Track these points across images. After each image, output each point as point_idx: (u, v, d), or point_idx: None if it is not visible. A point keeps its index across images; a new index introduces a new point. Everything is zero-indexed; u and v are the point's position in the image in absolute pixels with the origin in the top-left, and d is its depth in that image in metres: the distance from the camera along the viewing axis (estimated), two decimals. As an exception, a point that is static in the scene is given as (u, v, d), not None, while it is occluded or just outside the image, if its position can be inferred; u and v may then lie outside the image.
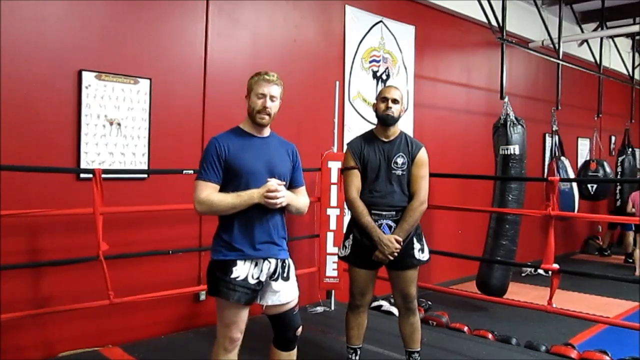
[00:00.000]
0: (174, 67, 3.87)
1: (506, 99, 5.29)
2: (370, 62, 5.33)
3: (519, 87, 7.04)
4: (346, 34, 5.06)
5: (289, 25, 4.61)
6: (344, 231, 3.14)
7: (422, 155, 2.95)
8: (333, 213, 4.35)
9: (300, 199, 2.41)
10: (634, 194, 7.23)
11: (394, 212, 2.88)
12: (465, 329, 4.17)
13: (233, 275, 2.21)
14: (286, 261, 2.38)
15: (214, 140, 2.29)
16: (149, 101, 3.72)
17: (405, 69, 5.68)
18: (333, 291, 4.54)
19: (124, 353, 3.39)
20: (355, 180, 2.93)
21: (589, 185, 7.14)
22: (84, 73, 3.41)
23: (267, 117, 2.29)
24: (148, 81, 3.71)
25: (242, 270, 2.23)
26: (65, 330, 3.39)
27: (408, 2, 5.65)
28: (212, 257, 2.29)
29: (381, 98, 2.93)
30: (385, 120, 2.91)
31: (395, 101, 2.90)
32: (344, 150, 3.10)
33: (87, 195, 3.14)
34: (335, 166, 4.31)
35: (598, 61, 7.70)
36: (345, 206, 3.66)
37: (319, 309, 4.48)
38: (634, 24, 7.57)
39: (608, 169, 7.40)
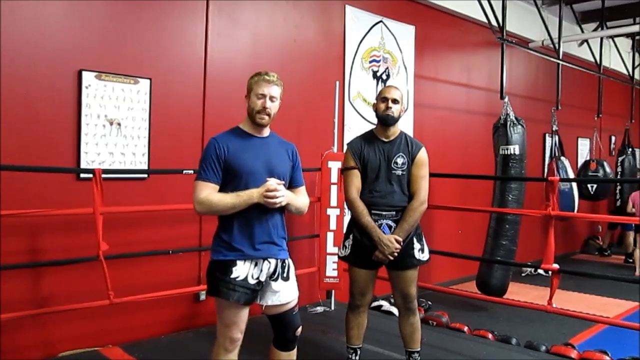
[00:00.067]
0: (174, 67, 3.87)
1: (506, 99, 5.29)
2: (370, 62, 5.33)
3: (519, 87, 7.04)
4: (346, 34, 5.06)
5: (289, 25, 4.61)
6: (344, 231, 3.14)
7: (422, 155, 2.95)
8: (333, 213, 4.35)
9: (300, 199, 2.41)
10: (634, 194, 7.23)
11: (394, 212, 2.88)
12: (465, 329, 4.17)
13: (233, 276, 2.21)
14: (286, 261, 2.38)
15: (214, 141, 2.29)
16: (149, 101, 3.73)
17: (405, 69, 5.68)
18: (333, 291, 4.54)
19: (124, 353, 3.40)
20: (356, 180, 2.93)
21: (589, 185, 7.14)
22: (84, 73, 3.41)
23: (266, 117, 2.29)
24: (148, 81, 3.71)
25: (242, 270, 2.23)
26: (65, 330, 3.39)
27: (408, 2, 5.65)
28: (211, 257, 2.29)
29: (381, 98, 2.93)
30: (385, 120, 2.91)
31: (395, 101, 2.90)
32: (344, 150, 3.10)
33: (87, 195, 3.14)
34: (335, 166, 4.31)
35: (598, 61, 7.69)
36: (345, 206, 3.66)
37: (319, 309, 4.48)
38: (634, 24, 7.57)
39: (608, 169, 7.40)
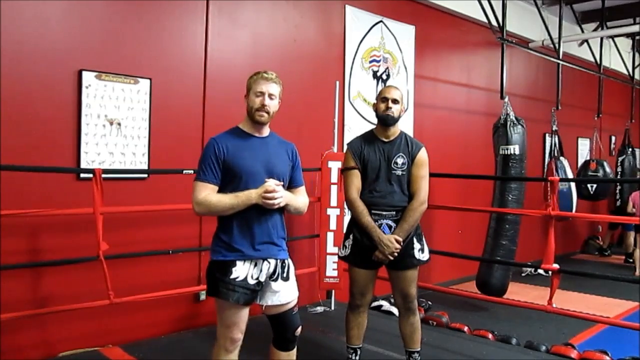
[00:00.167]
0: (174, 67, 3.87)
1: (506, 99, 5.29)
2: (371, 62, 5.33)
3: (519, 87, 7.04)
4: (346, 34, 5.06)
5: (289, 25, 4.61)
6: (344, 231, 3.14)
7: (422, 155, 2.95)
8: (333, 213, 4.35)
9: (299, 199, 2.41)
10: (634, 194, 7.23)
11: (394, 212, 2.88)
12: (465, 329, 4.17)
13: (232, 276, 2.21)
14: (286, 261, 2.37)
15: (213, 141, 2.29)
16: (149, 101, 3.73)
17: (406, 68, 5.68)
18: (333, 291, 4.54)
19: (124, 353, 3.40)
20: (356, 180, 2.93)
21: (588, 185, 7.14)
22: (84, 73, 3.41)
23: (265, 115, 2.29)
24: (148, 81, 3.71)
25: (242, 270, 2.23)
26: (65, 330, 3.39)
27: (408, 2, 5.65)
28: (211, 258, 2.29)
29: (381, 98, 2.93)
30: (385, 121, 2.91)
31: (395, 101, 2.90)
32: (344, 150, 3.10)
33: (87, 195, 3.14)
34: (335, 166, 4.31)
35: (598, 61, 7.69)
36: (345, 206, 3.66)
37: (319, 309, 4.48)
38: (634, 24, 7.57)
39: (608, 169, 7.39)
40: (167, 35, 3.83)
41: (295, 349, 2.44)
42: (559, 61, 6.49)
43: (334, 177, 4.34)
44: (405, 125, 5.51)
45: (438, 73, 6.14)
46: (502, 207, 5.06)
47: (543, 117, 7.08)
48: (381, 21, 5.39)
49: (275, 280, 2.31)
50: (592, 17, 7.61)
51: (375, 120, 3.01)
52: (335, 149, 4.49)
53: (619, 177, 8.18)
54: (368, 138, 3.00)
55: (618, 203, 8.03)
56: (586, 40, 7.58)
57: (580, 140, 8.64)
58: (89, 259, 3.16)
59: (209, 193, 2.23)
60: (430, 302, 4.93)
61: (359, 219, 2.87)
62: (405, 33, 5.65)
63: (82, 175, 3.39)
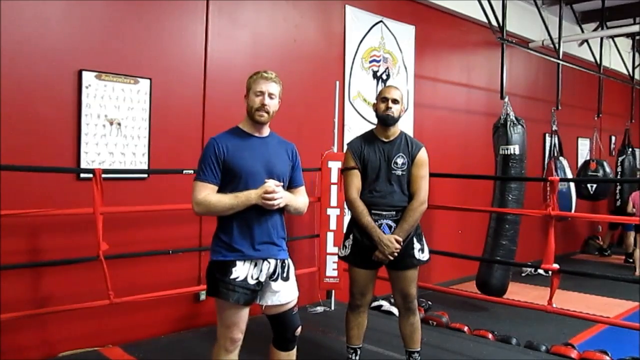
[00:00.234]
0: (174, 67, 3.87)
1: (506, 99, 5.29)
2: (371, 62, 5.33)
3: (519, 87, 7.04)
4: (346, 34, 5.06)
5: (289, 25, 4.61)
6: (344, 231, 3.14)
7: (422, 155, 2.95)
8: (333, 213, 4.35)
9: (299, 199, 2.41)
10: (634, 194, 7.23)
11: (394, 212, 2.88)
12: (465, 329, 4.17)
13: (232, 276, 2.21)
14: (286, 261, 2.37)
15: (213, 141, 2.29)
16: (149, 101, 3.73)
17: (406, 69, 5.68)
18: (333, 291, 4.54)
19: (124, 353, 3.39)
20: (356, 180, 2.93)
21: (588, 185, 7.14)
22: (84, 73, 3.41)
23: (265, 114, 2.29)
24: (148, 81, 3.71)
25: (242, 270, 2.23)
26: (65, 330, 3.39)
27: (408, 2, 5.65)
28: (211, 258, 2.29)
29: (381, 98, 2.93)
30: (385, 121, 2.91)
31: (395, 101, 2.90)
32: (344, 150, 3.10)
33: (87, 195, 3.14)
34: (335, 166, 4.31)
35: (598, 61, 7.69)
36: (345, 206, 3.66)
37: (319, 309, 4.48)
38: (634, 24, 7.56)
39: (608, 169, 7.39)
40: (167, 35, 3.83)
41: (295, 349, 2.44)
42: (559, 61, 6.49)
43: (334, 177, 4.33)
44: (405, 125, 5.51)
45: (438, 73, 6.14)
46: (502, 207, 5.06)
47: (543, 117, 7.08)
48: (381, 21, 5.39)
49: (275, 280, 2.31)
50: (592, 17, 7.61)
51: (375, 120, 3.01)
52: (335, 149, 4.49)
53: (619, 177, 8.19)
54: (368, 138, 3.00)
55: (618, 203, 8.03)
56: (586, 40, 7.58)
57: (580, 140, 8.65)
58: (89, 259, 3.16)
59: (208, 193, 2.23)
60: (430, 302, 4.93)
61: (359, 219, 2.87)
62: (405, 33, 5.65)
63: (82, 175, 3.39)
